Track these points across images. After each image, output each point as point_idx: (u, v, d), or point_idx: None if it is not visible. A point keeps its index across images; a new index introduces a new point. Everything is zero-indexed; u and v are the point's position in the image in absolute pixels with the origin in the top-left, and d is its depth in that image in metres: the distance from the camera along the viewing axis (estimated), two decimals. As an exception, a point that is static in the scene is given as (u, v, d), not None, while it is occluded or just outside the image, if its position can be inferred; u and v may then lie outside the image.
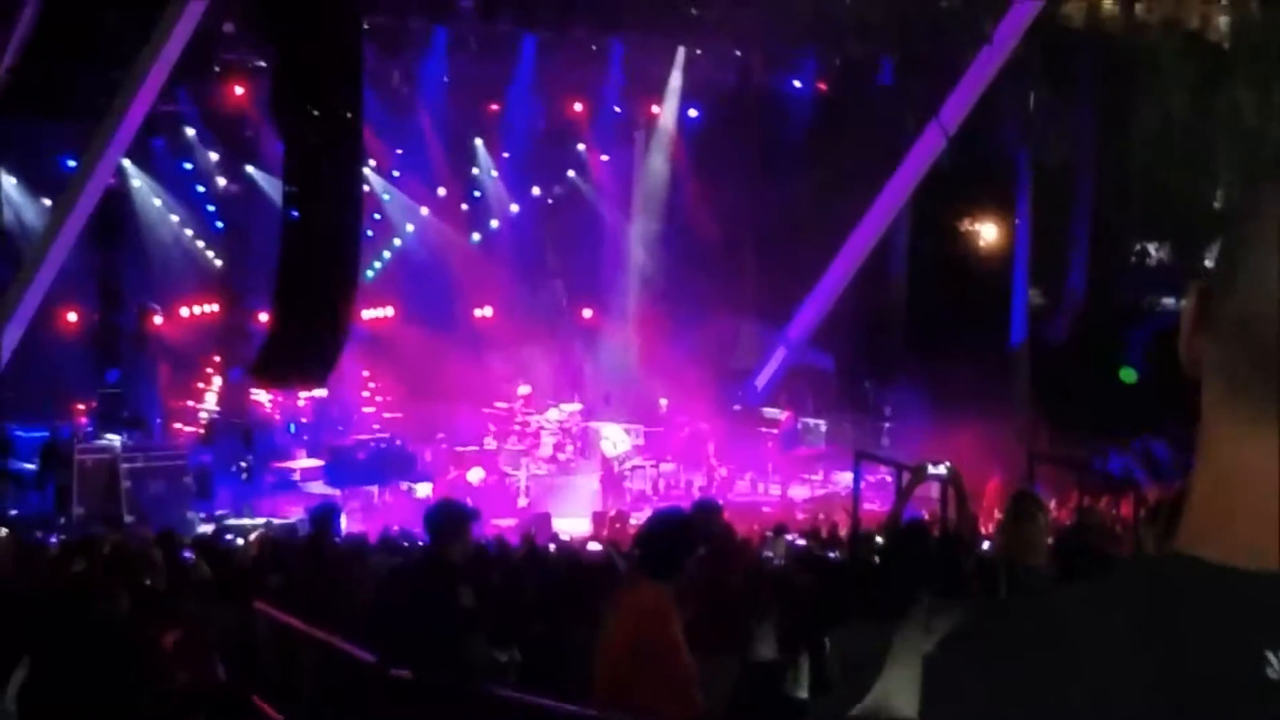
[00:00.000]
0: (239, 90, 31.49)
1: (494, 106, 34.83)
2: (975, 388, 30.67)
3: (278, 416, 33.15)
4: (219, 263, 35.47)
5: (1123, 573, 1.48)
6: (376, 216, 35.15)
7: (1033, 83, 33.59)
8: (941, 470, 12.06)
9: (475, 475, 30.19)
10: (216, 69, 31.23)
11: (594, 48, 33.82)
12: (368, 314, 33.16)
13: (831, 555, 17.14)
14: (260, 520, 26.71)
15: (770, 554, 17.28)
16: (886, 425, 33.44)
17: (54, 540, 21.34)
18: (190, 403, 33.85)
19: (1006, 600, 1.50)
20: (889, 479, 23.41)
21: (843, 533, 21.35)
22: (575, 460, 31.79)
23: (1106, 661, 1.37)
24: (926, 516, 16.10)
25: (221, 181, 34.86)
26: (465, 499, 28.39)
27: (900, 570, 10.67)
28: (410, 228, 36.86)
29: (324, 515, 14.88)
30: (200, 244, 35.53)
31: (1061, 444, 27.04)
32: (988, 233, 37.53)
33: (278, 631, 12.44)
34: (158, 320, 33.97)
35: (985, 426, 27.48)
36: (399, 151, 35.04)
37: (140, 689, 8.90)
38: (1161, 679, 1.33)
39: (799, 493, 31.30)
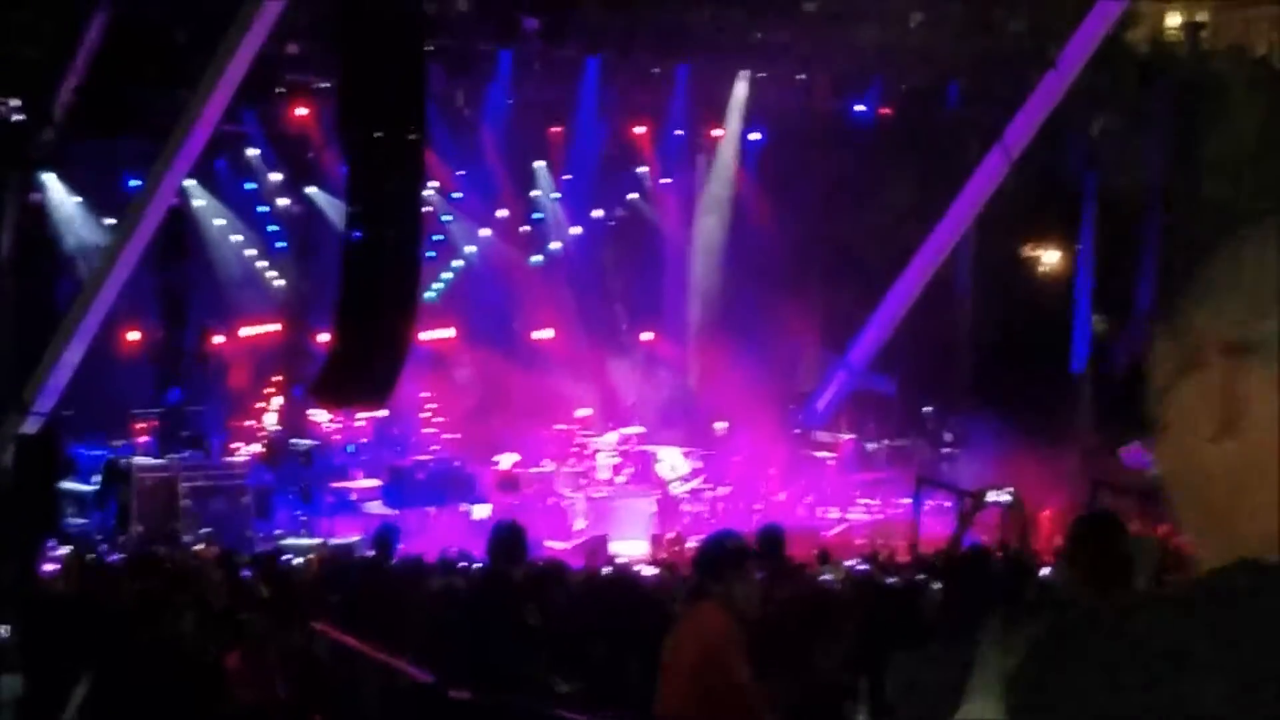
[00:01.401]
0: (303, 111, 31.60)
1: (556, 129, 34.89)
2: (1038, 414, 30.56)
3: (337, 436, 33.23)
4: (280, 283, 35.57)
5: (1207, 581, 1.49)
6: (438, 237, 35.22)
7: (1098, 108, 33.52)
8: (1003, 497, 11.99)
9: (507, 460, 30.19)
10: (280, 90, 31.35)
11: (657, 71, 33.87)
12: (427, 335, 33.18)
13: (890, 580, 17.05)
14: (318, 540, 26.75)
15: (829, 577, 17.21)
16: (946, 451, 33.31)
17: (115, 558, 21.43)
18: (250, 422, 33.96)
19: (1089, 610, 1.47)
20: (948, 504, 23.39)
21: (900, 558, 21.25)
22: (633, 483, 31.71)
23: (1229, 667, 1.36)
24: (986, 542, 16.01)
25: (284, 202, 34.97)
26: (511, 499, 28.75)
27: (961, 595, 10.64)
28: (471, 249, 36.90)
29: (385, 537, 14.93)
30: (262, 264, 35.64)
31: (1124, 471, 26.88)
32: (1051, 258, 37.37)
33: (338, 651, 12.45)
34: (218, 340, 34.08)
35: (1047, 453, 27.36)
36: (461, 173, 35.06)
37: (202, 708, 8.92)
38: None
39: (858, 517, 31.18)
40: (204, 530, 26.56)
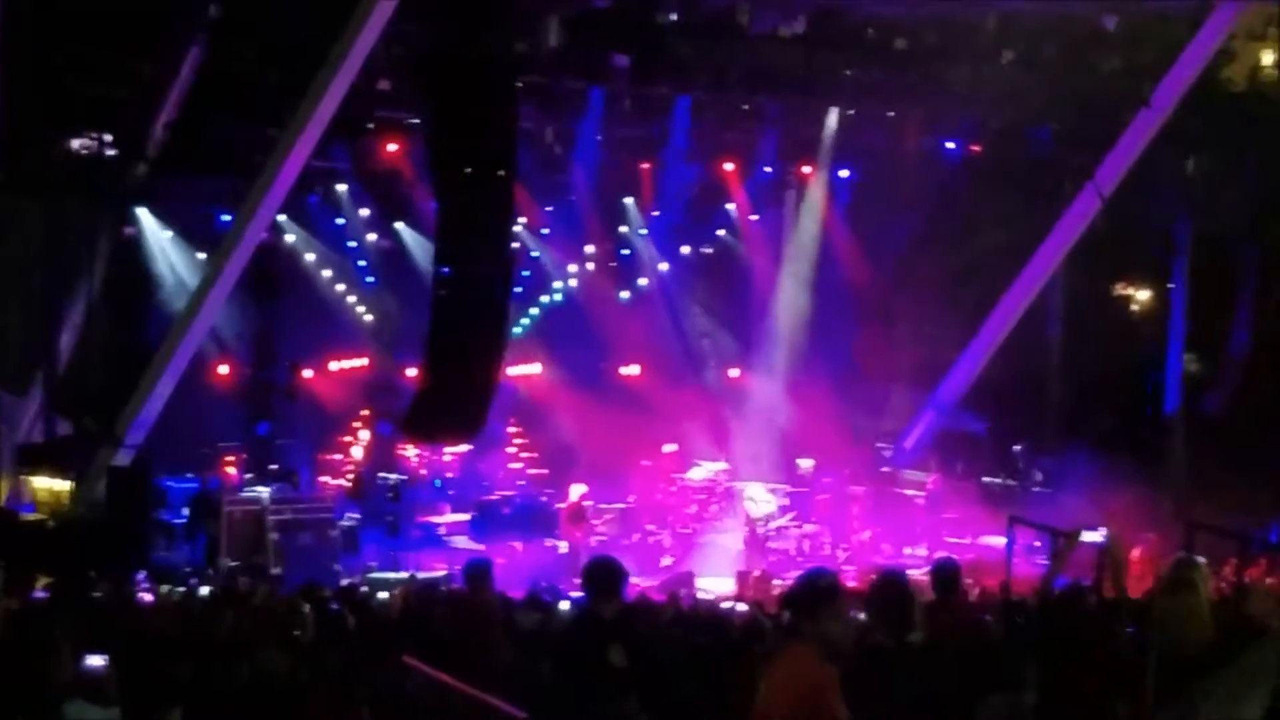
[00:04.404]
0: (393, 147, 31.60)
1: (645, 165, 34.85)
2: (1129, 454, 30.26)
3: (424, 471, 33.28)
4: (369, 318, 35.66)
5: None
6: (526, 273, 35.22)
7: (1192, 146, 33.20)
8: (1097, 537, 11.86)
9: (576, 491, 30.08)
10: (371, 126, 31.40)
11: (746, 108, 33.77)
12: (515, 370, 33.20)
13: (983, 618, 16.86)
14: (405, 574, 26.73)
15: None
16: (1036, 490, 33.00)
17: (203, 591, 21.50)
18: (338, 456, 34.04)
19: None
20: (1037, 544, 23.15)
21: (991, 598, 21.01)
22: (719, 520, 31.61)
23: None
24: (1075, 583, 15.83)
25: (373, 237, 35.05)
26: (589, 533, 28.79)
27: (1054, 637, 10.50)
28: (559, 285, 36.93)
29: (479, 571, 14.90)
30: (352, 299, 35.72)
31: (1219, 513, 26.59)
32: (1143, 298, 37.03)
33: (428, 687, 12.43)
34: (308, 374, 34.17)
35: (1138, 494, 27.10)
36: (549, 209, 35.09)
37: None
38: None
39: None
40: (292, 566, 26.57)
